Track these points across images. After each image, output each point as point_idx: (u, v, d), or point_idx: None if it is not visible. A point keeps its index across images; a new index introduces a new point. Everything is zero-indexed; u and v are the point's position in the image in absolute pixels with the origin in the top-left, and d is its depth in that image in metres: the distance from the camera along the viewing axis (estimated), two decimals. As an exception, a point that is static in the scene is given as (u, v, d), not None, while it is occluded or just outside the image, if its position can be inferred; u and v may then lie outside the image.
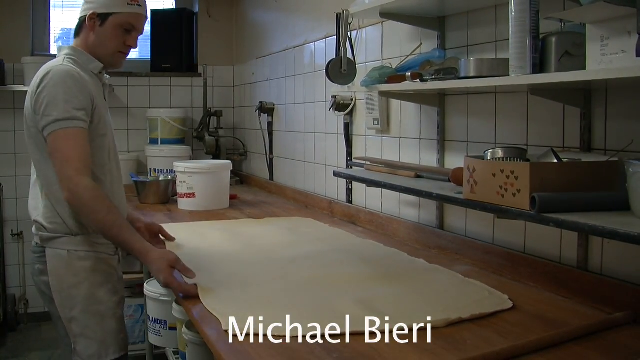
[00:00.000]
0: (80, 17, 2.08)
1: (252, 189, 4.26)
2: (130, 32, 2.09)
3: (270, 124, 4.10)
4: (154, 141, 4.53)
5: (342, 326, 1.45)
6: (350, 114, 3.00)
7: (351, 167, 2.84)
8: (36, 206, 2.01)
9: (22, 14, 4.57)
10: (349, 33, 2.50)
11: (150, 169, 4.39)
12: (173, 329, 3.13)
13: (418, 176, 2.25)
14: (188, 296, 1.73)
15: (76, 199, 1.85)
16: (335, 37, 2.52)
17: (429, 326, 1.46)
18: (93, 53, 2.06)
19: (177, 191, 3.36)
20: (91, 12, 2.03)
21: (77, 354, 1.96)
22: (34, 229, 2.04)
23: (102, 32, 2.04)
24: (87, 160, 1.90)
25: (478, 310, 1.57)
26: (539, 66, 1.54)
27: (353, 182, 2.98)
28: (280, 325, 1.46)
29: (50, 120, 1.87)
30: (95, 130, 2.00)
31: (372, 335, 1.42)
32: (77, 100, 1.91)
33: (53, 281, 1.96)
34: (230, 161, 3.54)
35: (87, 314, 1.96)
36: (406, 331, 1.44)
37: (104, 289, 2.00)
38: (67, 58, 2.01)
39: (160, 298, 3.15)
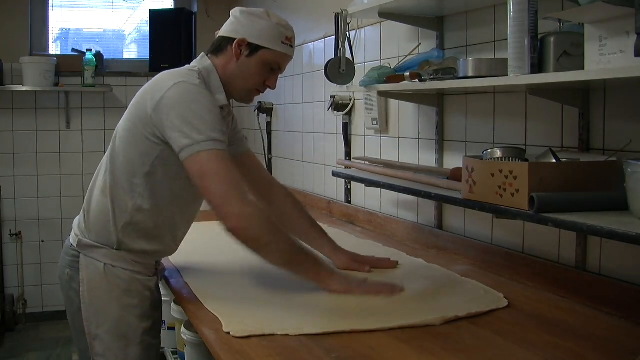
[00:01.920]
0: (225, 37, 1.87)
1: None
2: (274, 71, 1.86)
3: (269, 124, 4.10)
4: (152, 141, 4.53)
5: (341, 325, 1.46)
6: (349, 114, 3.00)
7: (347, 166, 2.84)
8: (88, 208, 1.86)
9: (21, 14, 4.56)
10: (347, 33, 2.50)
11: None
12: (172, 329, 3.13)
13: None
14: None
15: (244, 227, 1.64)
16: (334, 37, 2.52)
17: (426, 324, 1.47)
18: (227, 81, 1.85)
19: (176, 191, 3.35)
20: (242, 37, 1.82)
21: None
22: (76, 228, 1.88)
23: (247, 63, 1.82)
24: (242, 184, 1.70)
25: (474, 309, 1.58)
26: (538, 66, 1.54)
27: (352, 182, 2.98)
28: (279, 325, 1.46)
29: (193, 142, 1.64)
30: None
31: (371, 334, 1.42)
32: (216, 123, 1.70)
33: (84, 292, 1.81)
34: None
35: (112, 336, 1.80)
36: (405, 331, 1.44)
37: (135, 312, 1.82)
38: (192, 80, 1.75)
39: (159, 298, 3.15)
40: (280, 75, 1.89)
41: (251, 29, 1.83)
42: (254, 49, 1.82)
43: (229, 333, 1.44)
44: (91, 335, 1.81)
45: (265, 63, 1.83)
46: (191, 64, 1.88)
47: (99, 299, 1.80)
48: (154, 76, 1.88)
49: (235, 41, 1.82)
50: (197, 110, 1.67)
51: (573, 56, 1.50)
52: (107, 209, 1.79)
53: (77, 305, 1.83)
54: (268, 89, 1.89)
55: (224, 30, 1.89)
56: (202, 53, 1.91)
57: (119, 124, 1.86)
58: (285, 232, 1.73)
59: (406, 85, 2.10)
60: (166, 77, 1.76)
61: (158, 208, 1.81)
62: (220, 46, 1.87)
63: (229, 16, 1.98)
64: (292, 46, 1.85)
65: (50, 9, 4.75)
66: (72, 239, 1.87)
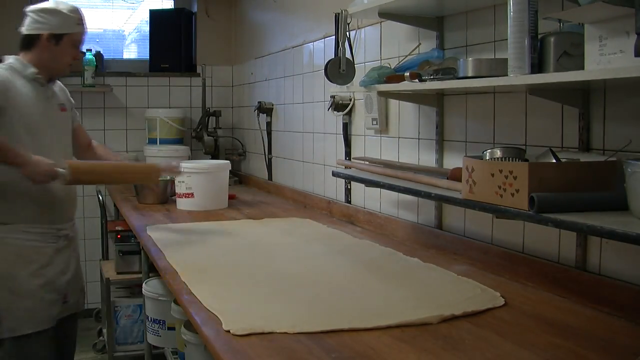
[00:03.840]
0: (31, 34, 2.38)
1: (251, 188, 4.26)
2: (77, 47, 2.45)
3: (268, 124, 4.10)
4: (152, 141, 4.53)
5: (340, 324, 1.46)
6: (349, 114, 3.00)
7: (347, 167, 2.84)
8: None
9: (21, 14, 4.54)
10: (347, 33, 2.50)
11: (149, 169, 4.39)
12: (172, 329, 3.12)
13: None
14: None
15: None
16: (334, 37, 2.52)
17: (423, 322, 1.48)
18: (45, 66, 2.39)
19: (176, 191, 3.36)
20: (47, 32, 2.35)
21: (2, 326, 2.24)
22: None
23: (58, 50, 2.38)
24: None
25: (471, 307, 1.58)
26: (538, 66, 1.54)
27: (352, 182, 2.98)
28: (278, 323, 1.47)
29: None
30: (3, 126, 2.27)
31: (371, 334, 1.43)
32: None
33: None
34: (228, 161, 3.54)
35: (5, 292, 2.25)
36: (404, 330, 1.44)
37: (26, 271, 2.29)
38: (6, 65, 2.36)
39: (159, 298, 3.15)
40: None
41: (51, 23, 2.35)
42: (59, 38, 2.37)
43: (229, 331, 1.44)
44: None
45: (70, 44, 2.40)
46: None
47: None
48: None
49: (43, 36, 2.35)
50: None
51: (573, 56, 1.50)
52: None
53: None
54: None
55: (28, 29, 2.40)
56: (4, 56, 2.47)
57: None
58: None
59: (406, 85, 2.10)
60: None
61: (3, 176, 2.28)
62: (29, 42, 2.39)
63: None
64: (83, 23, 2.43)
65: (50, 9, 4.75)
66: None
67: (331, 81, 2.53)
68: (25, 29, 2.41)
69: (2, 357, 2.26)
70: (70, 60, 2.45)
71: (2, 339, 2.25)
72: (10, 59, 2.40)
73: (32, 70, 2.37)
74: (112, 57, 4.96)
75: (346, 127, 3.02)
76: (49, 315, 2.36)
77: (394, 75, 2.22)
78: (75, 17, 2.40)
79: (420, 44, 2.44)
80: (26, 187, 2.29)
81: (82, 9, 2.46)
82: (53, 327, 2.39)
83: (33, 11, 2.39)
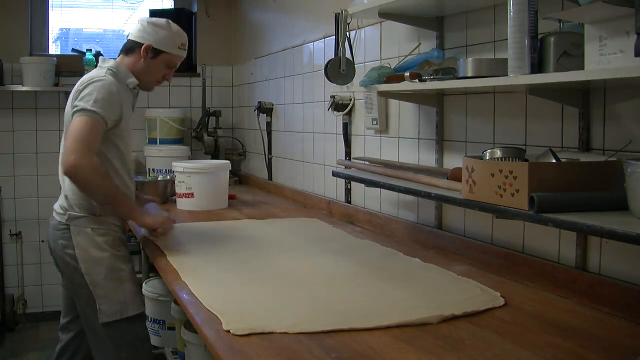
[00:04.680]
0: (134, 41, 2.42)
1: (251, 188, 4.26)
2: (171, 69, 2.48)
3: (268, 124, 4.10)
4: (152, 141, 4.53)
5: (339, 323, 1.47)
6: (349, 114, 3.00)
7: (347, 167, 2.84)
8: (62, 190, 2.38)
9: (21, 14, 4.56)
10: (347, 33, 2.50)
11: (149, 168, 4.39)
12: (172, 329, 3.13)
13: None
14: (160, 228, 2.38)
15: (78, 172, 2.17)
16: (333, 37, 2.52)
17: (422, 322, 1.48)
18: (135, 74, 2.42)
19: (176, 191, 3.36)
20: (148, 43, 2.39)
21: (102, 312, 2.27)
22: (58, 209, 2.39)
23: (151, 64, 2.42)
24: (96, 149, 2.21)
25: (470, 307, 1.59)
26: (538, 66, 1.54)
27: (352, 182, 2.98)
28: (278, 323, 1.47)
29: (81, 107, 2.20)
30: (116, 137, 2.33)
31: (371, 334, 1.43)
32: (107, 106, 2.24)
33: (79, 252, 2.29)
34: (228, 161, 3.53)
35: (109, 280, 2.29)
36: (404, 330, 1.45)
37: (121, 259, 2.35)
38: (109, 70, 2.34)
39: (159, 298, 3.15)
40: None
41: (155, 37, 2.41)
42: (157, 53, 2.41)
43: (229, 331, 1.44)
44: (92, 283, 2.28)
45: (165, 63, 2.44)
46: (98, 67, 2.44)
47: (93, 255, 2.30)
48: None
49: (143, 46, 2.39)
50: (98, 90, 2.24)
51: (573, 56, 1.50)
52: (75, 188, 2.28)
53: (72, 265, 2.31)
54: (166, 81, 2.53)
55: (134, 36, 2.44)
56: (102, 57, 2.50)
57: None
58: (112, 181, 2.30)
59: (406, 85, 2.10)
60: (82, 80, 2.34)
61: (113, 176, 2.33)
62: (131, 48, 2.43)
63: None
64: (185, 49, 2.49)
65: (50, 9, 4.75)
66: (58, 217, 2.38)
67: (331, 81, 2.53)
68: (131, 34, 2.45)
69: (104, 340, 2.30)
70: (160, 79, 2.49)
71: (106, 323, 2.28)
72: (110, 62, 2.42)
73: (132, 80, 2.41)
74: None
75: (346, 127, 3.02)
76: (143, 296, 2.48)
77: (394, 75, 2.22)
78: (180, 41, 2.45)
79: (420, 44, 2.44)
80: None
81: (186, 36, 2.50)
82: None
83: (144, 21, 2.45)
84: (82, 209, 2.33)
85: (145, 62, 2.41)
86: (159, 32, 2.41)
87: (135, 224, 2.49)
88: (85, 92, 2.24)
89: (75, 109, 2.22)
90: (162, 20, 2.46)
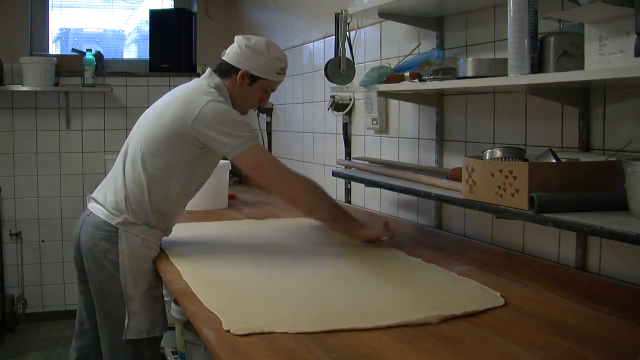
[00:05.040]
0: (231, 65, 2.29)
1: (251, 188, 4.26)
2: (268, 93, 2.36)
3: (269, 124, 4.10)
4: (152, 141, 4.52)
5: (339, 323, 1.47)
6: (349, 113, 3.00)
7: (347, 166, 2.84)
8: (117, 191, 2.21)
9: (21, 14, 4.56)
10: (347, 33, 2.50)
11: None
12: (172, 328, 3.13)
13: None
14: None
15: (301, 201, 2.25)
16: (333, 37, 2.52)
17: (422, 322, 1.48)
18: (231, 100, 2.29)
19: (176, 191, 3.35)
20: (245, 70, 2.26)
21: (130, 328, 2.15)
22: (110, 208, 2.19)
23: (248, 90, 2.29)
24: (283, 165, 2.27)
25: (470, 307, 1.58)
26: (538, 66, 1.54)
27: (352, 182, 2.98)
28: (278, 323, 1.47)
29: (240, 143, 2.12)
30: (206, 157, 2.23)
31: (371, 334, 1.43)
32: (245, 127, 2.18)
33: (124, 260, 2.16)
34: (228, 161, 3.53)
35: (147, 296, 2.19)
36: (404, 330, 1.45)
37: (158, 277, 2.23)
38: (217, 98, 2.18)
39: (159, 298, 3.15)
40: None
41: (252, 63, 2.26)
42: (254, 79, 2.28)
43: (229, 331, 1.44)
44: (127, 296, 2.16)
45: (262, 89, 2.31)
46: (203, 79, 2.30)
47: (137, 267, 2.17)
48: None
49: (240, 72, 2.26)
50: (233, 118, 2.16)
51: (573, 56, 1.50)
52: (144, 197, 2.18)
53: (110, 272, 2.16)
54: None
55: (230, 58, 2.31)
56: (210, 70, 2.33)
57: (141, 128, 2.25)
58: (327, 194, 2.30)
59: (406, 85, 2.10)
60: (197, 95, 2.18)
61: (178, 198, 2.26)
62: (227, 71, 2.30)
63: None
64: (284, 74, 2.34)
65: (50, 9, 4.75)
66: (106, 217, 2.19)
67: (331, 81, 2.53)
68: (227, 56, 2.32)
69: (121, 356, 2.18)
70: (256, 105, 2.37)
71: (129, 340, 2.15)
72: (216, 82, 2.26)
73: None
74: (112, 57, 4.96)
75: (346, 127, 3.02)
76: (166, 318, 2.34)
77: (394, 75, 2.22)
78: (279, 66, 2.30)
79: (420, 44, 2.44)
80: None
81: (286, 58, 2.35)
82: None
83: (242, 44, 2.30)
84: (137, 216, 2.18)
85: (242, 88, 2.27)
86: (258, 58, 2.26)
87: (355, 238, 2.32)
88: (216, 118, 2.11)
89: (235, 144, 2.11)
90: (262, 44, 2.28)
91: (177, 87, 2.31)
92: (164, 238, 2.31)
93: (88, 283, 2.26)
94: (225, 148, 2.13)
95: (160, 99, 2.32)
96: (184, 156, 2.17)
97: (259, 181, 2.24)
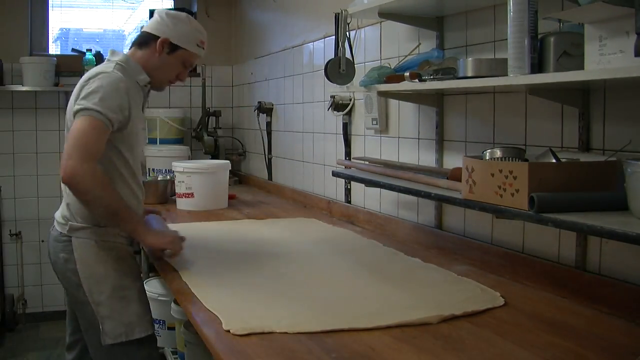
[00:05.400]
0: (151, 33, 2.19)
1: (251, 188, 4.26)
2: (186, 68, 2.26)
3: (268, 124, 4.10)
4: (152, 141, 4.53)
5: (339, 323, 1.47)
6: (349, 113, 3.00)
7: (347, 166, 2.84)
8: (63, 199, 2.15)
9: (21, 14, 4.56)
10: (347, 33, 2.50)
11: (149, 168, 4.39)
12: (172, 328, 3.13)
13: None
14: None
15: (76, 180, 1.94)
16: (333, 37, 2.52)
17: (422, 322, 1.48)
18: (147, 71, 2.18)
19: (176, 191, 3.36)
20: (166, 37, 2.17)
21: (105, 333, 2.06)
22: (60, 218, 2.15)
23: (167, 59, 2.19)
24: (98, 154, 1.99)
25: (470, 307, 1.59)
26: (537, 66, 1.54)
27: (352, 182, 2.98)
28: (278, 322, 1.47)
29: (84, 107, 1.98)
30: (122, 140, 2.10)
31: (370, 334, 1.43)
32: (114, 106, 2.01)
33: (82, 268, 2.08)
34: (228, 161, 3.54)
35: (114, 299, 2.08)
36: (404, 330, 1.45)
37: (129, 276, 2.14)
38: (118, 65, 2.11)
39: (159, 298, 3.15)
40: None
41: (173, 31, 2.18)
42: (173, 48, 2.19)
43: (228, 331, 1.44)
44: (95, 302, 2.07)
45: (181, 61, 2.22)
46: (112, 57, 2.18)
47: (97, 271, 2.08)
48: None
49: (159, 39, 2.17)
50: (105, 89, 2.01)
51: (573, 56, 1.50)
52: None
53: (75, 282, 2.09)
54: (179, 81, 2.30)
55: (150, 28, 2.21)
56: (111, 50, 2.23)
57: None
58: (116, 192, 2.05)
59: (406, 85, 2.10)
60: (85, 81, 2.07)
61: (120, 185, 2.11)
62: (146, 42, 2.20)
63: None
64: (204, 48, 2.27)
65: (50, 9, 4.74)
66: (60, 228, 2.14)
67: (331, 81, 2.53)
68: (147, 26, 2.22)
69: None
70: (173, 78, 2.26)
71: (110, 345, 2.05)
72: (119, 56, 2.16)
73: (144, 77, 2.18)
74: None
75: (346, 127, 3.02)
76: (151, 317, 2.22)
77: (394, 75, 2.22)
78: (199, 38, 2.23)
79: (420, 44, 2.44)
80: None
81: (206, 34, 2.28)
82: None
83: (163, 13, 2.22)
84: (85, 219, 2.10)
85: (161, 57, 2.18)
86: (178, 25, 2.19)
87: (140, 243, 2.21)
88: (89, 88, 2.01)
89: (78, 107, 1.99)
90: (182, 14, 2.24)
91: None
92: None
93: None
94: (76, 106, 2.00)
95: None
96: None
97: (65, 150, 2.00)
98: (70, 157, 1.93)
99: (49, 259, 2.25)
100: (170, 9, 2.19)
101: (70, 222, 2.10)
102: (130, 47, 2.24)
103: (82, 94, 2.01)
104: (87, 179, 1.93)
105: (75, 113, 2.00)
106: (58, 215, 2.19)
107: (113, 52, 2.20)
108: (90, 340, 2.13)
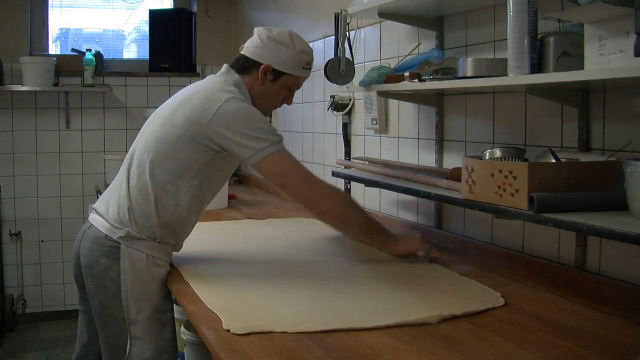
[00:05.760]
0: (252, 59, 2.03)
1: (251, 188, 4.26)
2: (292, 91, 2.11)
3: (268, 124, 4.09)
4: (152, 141, 4.53)
5: (339, 323, 1.47)
6: (349, 113, 3.00)
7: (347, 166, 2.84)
8: (120, 201, 1.96)
9: (21, 14, 4.56)
10: (347, 33, 2.50)
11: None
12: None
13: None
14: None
15: (333, 215, 2.01)
16: (333, 37, 2.52)
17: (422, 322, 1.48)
18: (251, 98, 2.04)
19: (176, 191, 3.35)
20: (268, 64, 2.01)
21: (132, 355, 1.92)
22: (112, 221, 1.95)
23: (271, 87, 2.05)
24: (310, 172, 1.98)
25: (470, 308, 1.58)
26: (537, 66, 1.54)
27: (352, 182, 2.98)
28: (278, 322, 1.47)
29: (264, 146, 1.87)
30: (222, 161, 1.99)
31: (370, 334, 1.43)
32: (268, 126, 1.93)
33: (126, 280, 1.92)
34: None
35: (152, 320, 1.95)
36: (404, 330, 1.45)
37: (169, 299, 2.00)
38: (237, 96, 1.95)
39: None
40: None
41: (276, 56, 2.01)
42: (277, 74, 2.02)
43: (229, 331, 1.44)
44: (130, 320, 1.92)
45: (287, 86, 2.07)
46: (219, 76, 2.05)
47: (141, 287, 1.93)
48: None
49: (261, 67, 2.01)
50: (256, 118, 1.91)
51: (573, 56, 1.50)
52: (150, 207, 1.93)
53: (112, 292, 1.93)
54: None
55: (250, 52, 2.04)
56: (227, 66, 2.07)
57: (149, 130, 2.03)
58: (360, 207, 2.09)
59: (406, 85, 2.10)
60: (215, 93, 1.93)
61: (189, 209, 1.99)
62: (246, 67, 2.04)
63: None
64: (310, 69, 2.09)
65: (50, 8, 4.75)
66: (106, 231, 1.95)
67: (331, 81, 2.53)
68: (247, 50, 2.05)
69: None
70: (279, 104, 2.11)
71: None
72: (234, 79, 2.02)
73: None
74: (111, 57, 4.96)
75: (346, 127, 3.02)
76: (177, 343, 2.09)
77: (394, 75, 2.22)
78: (305, 60, 2.04)
79: (420, 44, 2.44)
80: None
81: (312, 52, 2.09)
82: None
83: (263, 35, 2.03)
84: (142, 230, 1.93)
85: (264, 85, 2.02)
86: (281, 49, 2.01)
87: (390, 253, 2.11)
88: (237, 118, 1.87)
89: (257, 151, 1.86)
90: (285, 35, 2.03)
91: (190, 85, 2.07)
92: None
93: (89, 303, 2.03)
94: (246, 152, 1.87)
95: (170, 99, 2.07)
96: (198, 160, 1.92)
97: (284, 192, 1.97)
98: (308, 197, 1.95)
99: (75, 257, 2.04)
100: (268, 30, 2.05)
101: (127, 229, 1.92)
102: (230, 69, 2.06)
103: (239, 129, 1.86)
104: (339, 207, 1.99)
105: (254, 155, 1.87)
106: (107, 215, 1.98)
107: (228, 71, 2.05)
108: (108, 357, 1.99)
